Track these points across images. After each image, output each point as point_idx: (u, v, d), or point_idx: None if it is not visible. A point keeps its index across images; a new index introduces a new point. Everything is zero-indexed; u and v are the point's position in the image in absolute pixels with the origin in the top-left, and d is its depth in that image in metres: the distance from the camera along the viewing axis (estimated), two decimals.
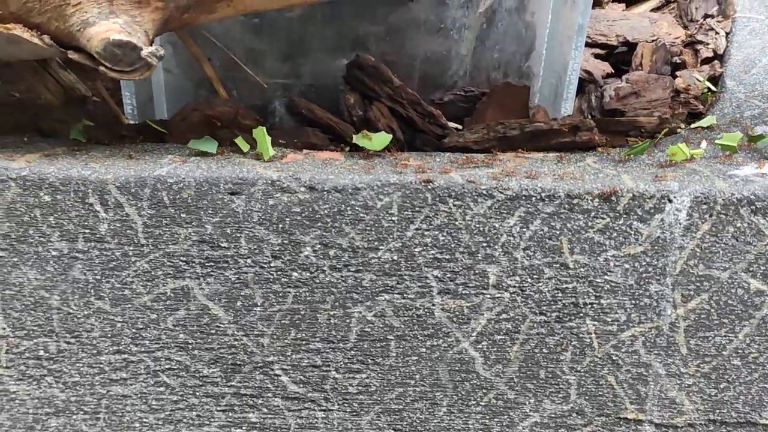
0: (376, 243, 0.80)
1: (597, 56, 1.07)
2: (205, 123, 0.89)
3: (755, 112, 0.89)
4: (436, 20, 0.94)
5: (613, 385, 0.84)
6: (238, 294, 0.84)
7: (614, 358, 0.82)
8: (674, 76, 1.03)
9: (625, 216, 0.76)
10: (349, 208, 0.79)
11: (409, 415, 0.86)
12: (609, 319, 0.81)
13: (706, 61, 1.06)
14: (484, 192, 0.77)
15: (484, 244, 0.79)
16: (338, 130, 0.89)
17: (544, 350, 0.83)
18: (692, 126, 0.89)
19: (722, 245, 0.76)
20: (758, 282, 0.77)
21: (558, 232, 0.78)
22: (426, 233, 0.79)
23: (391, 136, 0.81)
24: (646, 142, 0.78)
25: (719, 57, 1.06)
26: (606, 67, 1.02)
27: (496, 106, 0.90)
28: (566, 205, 0.77)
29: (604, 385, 0.84)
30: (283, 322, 0.85)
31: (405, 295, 0.82)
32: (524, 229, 0.78)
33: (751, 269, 0.77)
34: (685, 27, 1.15)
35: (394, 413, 0.86)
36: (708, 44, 1.08)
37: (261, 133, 0.82)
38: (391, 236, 0.80)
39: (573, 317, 0.81)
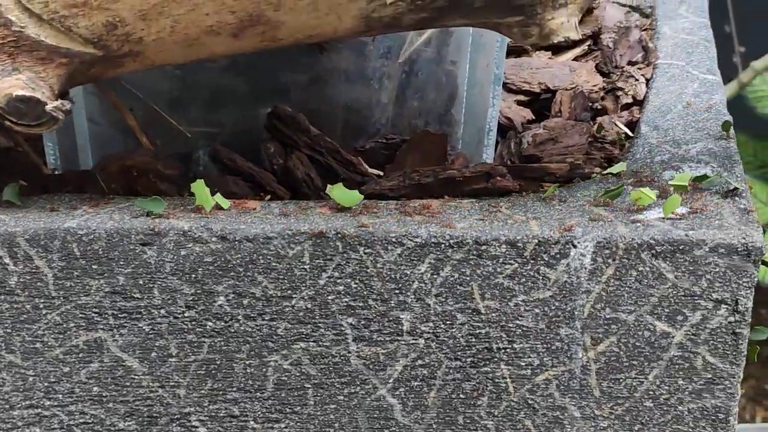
0: (289, 291, 0.81)
1: (520, 103, 1.10)
2: (124, 173, 0.89)
3: (665, 158, 0.92)
4: (356, 70, 0.96)
5: (531, 429, 0.84)
6: (152, 345, 0.83)
7: (530, 401, 0.83)
8: (594, 122, 1.06)
9: (532, 261, 0.78)
10: (261, 257, 0.79)
11: None
12: (523, 363, 0.82)
13: (626, 107, 1.10)
14: (394, 240, 0.78)
15: (397, 291, 0.80)
16: (258, 178, 0.90)
17: (461, 395, 0.84)
18: (603, 173, 0.91)
19: (627, 289, 0.78)
20: (663, 324, 0.79)
21: (468, 278, 0.79)
22: (338, 281, 0.80)
23: (362, 196, 0.82)
24: (619, 186, 0.80)
25: (639, 103, 1.10)
26: (528, 114, 1.05)
27: (415, 154, 0.92)
28: (475, 252, 0.78)
29: (522, 429, 0.84)
30: (199, 372, 0.84)
31: (320, 342, 0.82)
32: (435, 276, 0.79)
33: (655, 312, 0.79)
34: (608, 74, 1.19)
35: None
36: (627, 91, 1.12)
37: (200, 187, 0.82)
38: (304, 284, 0.80)
39: (487, 362, 0.82)
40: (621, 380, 0.82)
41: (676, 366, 0.80)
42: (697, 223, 0.78)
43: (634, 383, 0.82)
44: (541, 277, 0.78)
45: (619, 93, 1.12)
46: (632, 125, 1.05)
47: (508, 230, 0.78)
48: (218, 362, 0.83)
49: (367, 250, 0.79)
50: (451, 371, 0.83)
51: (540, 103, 1.10)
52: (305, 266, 0.79)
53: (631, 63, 1.21)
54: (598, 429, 0.83)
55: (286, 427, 0.85)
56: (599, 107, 1.11)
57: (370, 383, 0.84)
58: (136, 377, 0.84)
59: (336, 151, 0.89)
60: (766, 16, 2.51)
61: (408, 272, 0.79)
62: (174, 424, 0.86)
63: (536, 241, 0.77)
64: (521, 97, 1.09)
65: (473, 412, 0.84)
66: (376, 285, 0.80)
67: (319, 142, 0.89)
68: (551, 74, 1.10)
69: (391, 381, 0.83)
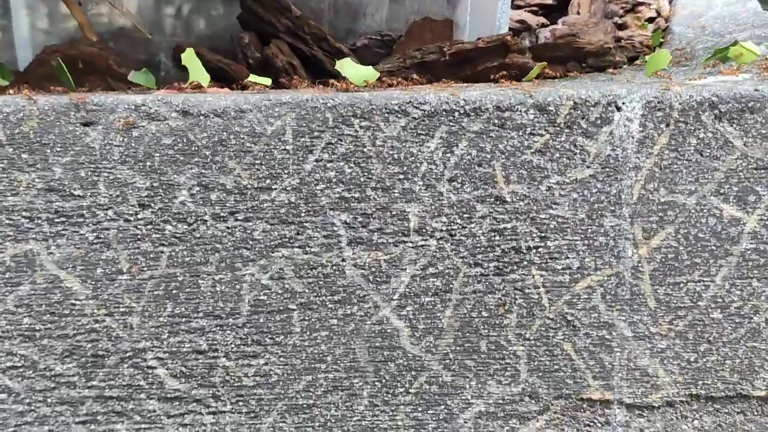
0: (268, 181, 0.65)
1: (534, 14, 0.98)
2: (68, 66, 0.74)
3: (708, 45, 0.79)
4: None
5: (571, 355, 0.67)
6: (97, 258, 0.66)
7: (569, 318, 0.67)
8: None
9: (567, 130, 0.63)
10: (232, 137, 0.64)
11: (321, 412, 0.68)
12: (559, 267, 0.66)
13: (650, 20, 0.98)
14: (396, 108, 0.63)
15: (401, 176, 0.65)
16: (230, 72, 0.75)
17: (484, 313, 0.67)
18: (639, 62, 0.78)
19: (685, 162, 0.63)
20: (732, 207, 0.64)
21: (489, 156, 0.64)
22: (329, 165, 0.65)
23: (378, 72, 0.67)
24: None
25: (663, 17, 0.99)
26: (542, 20, 0.93)
27: (415, 45, 0.78)
28: (496, 121, 0.63)
29: (560, 355, 0.68)
30: (156, 293, 0.67)
31: (307, 248, 0.66)
32: (448, 154, 0.64)
33: (721, 191, 0.64)
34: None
35: (303, 411, 0.68)
36: (651, 4, 1.00)
37: (189, 55, 0.67)
38: (285, 171, 0.65)
39: (515, 267, 0.66)
40: (681, 285, 0.66)
41: (750, 263, 0.65)
42: (766, 80, 0.64)
43: (698, 288, 0.66)
44: (578, 151, 0.63)
45: (641, 8, 1.00)
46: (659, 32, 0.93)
47: (535, 93, 0.63)
48: (180, 279, 0.67)
49: (363, 123, 0.64)
50: (470, 281, 0.67)
51: (555, 16, 0.97)
52: (287, 146, 0.64)
53: None
54: (655, 352, 0.67)
55: (266, 363, 0.68)
56: (620, 23, 0.99)
57: (370, 301, 0.67)
58: (78, 303, 0.67)
59: (323, 39, 0.76)
60: None
61: (414, 150, 0.64)
62: (125, 365, 0.68)
63: (571, 102, 0.62)
64: (534, 10, 0.97)
65: (499, 335, 0.67)
66: (375, 169, 0.64)
67: (302, 27, 0.75)
68: None
69: (396, 297, 0.67)
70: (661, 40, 0.86)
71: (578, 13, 0.91)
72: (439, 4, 0.86)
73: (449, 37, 0.79)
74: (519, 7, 0.99)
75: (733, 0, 0.98)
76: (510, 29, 0.92)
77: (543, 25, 0.91)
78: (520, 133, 0.63)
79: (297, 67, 0.74)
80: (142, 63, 0.83)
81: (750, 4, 0.95)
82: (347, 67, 0.67)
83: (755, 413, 0.66)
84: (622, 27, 0.99)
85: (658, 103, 0.62)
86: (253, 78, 0.70)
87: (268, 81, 0.70)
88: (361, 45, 0.81)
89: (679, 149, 0.63)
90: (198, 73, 0.68)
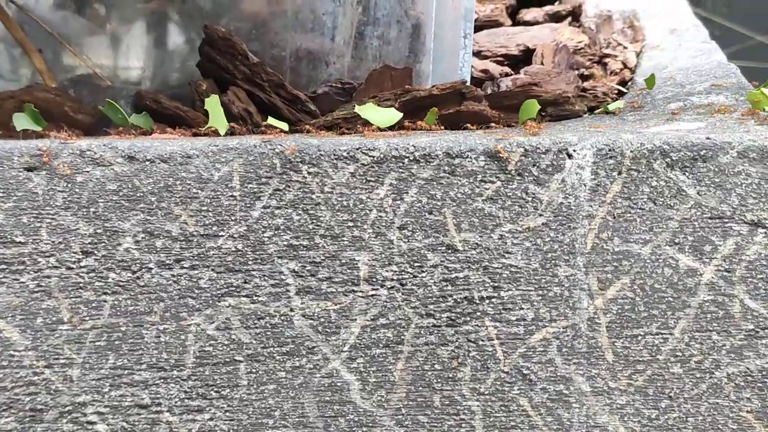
0: (214, 228, 0.64)
1: (499, 63, 0.99)
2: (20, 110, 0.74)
3: (668, 95, 0.80)
4: (306, 11, 0.84)
5: (528, 410, 0.65)
6: (38, 307, 0.64)
7: (525, 372, 0.65)
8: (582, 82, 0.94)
9: (518, 178, 0.62)
10: (179, 183, 0.63)
11: None
12: (513, 318, 0.64)
13: (617, 72, 0.99)
14: (345, 154, 0.63)
15: (350, 224, 0.63)
16: (187, 119, 0.75)
17: (437, 366, 0.65)
18: (598, 111, 0.78)
19: (638, 211, 0.62)
20: (688, 257, 0.63)
21: (440, 204, 0.63)
22: (277, 212, 0.63)
23: (401, 114, 0.66)
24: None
25: (629, 69, 1.00)
26: (506, 70, 0.93)
27: (374, 92, 0.78)
28: (446, 167, 0.62)
29: (517, 411, 0.65)
30: (97, 344, 0.65)
31: (255, 297, 0.64)
32: (398, 201, 0.63)
33: (676, 241, 0.62)
34: (592, 45, 1.09)
35: None
36: (617, 56, 1.02)
37: (214, 102, 0.67)
38: (233, 218, 0.63)
39: (468, 318, 0.64)
40: (639, 338, 0.64)
41: (709, 315, 0.63)
42: (716, 129, 0.64)
43: (657, 341, 0.64)
44: (530, 199, 0.62)
45: (608, 60, 1.01)
46: (623, 83, 0.93)
47: (486, 140, 0.62)
48: (123, 329, 0.64)
49: (311, 169, 0.63)
50: (422, 332, 0.64)
51: (521, 66, 0.98)
52: (235, 193, 0.63)
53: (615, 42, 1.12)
54: (615, 408, 0.64)
55: (211, 419, 0.65)
56: (586, 73, 0.99)
57: (320, 353, 0.65)
58: (16, 353, 0.65)
59: (280, 86, 0.75)
60: None
61: (364, 197, 0.63)
62: (64, 420, 0.65)
63: (522, 149, 0.62)
64: (499, 60, 0.98)
65: (453, 389, 0.65)
66: (324, 216, 0.63)
67: (259, 74, 0.75)
68: (530, 36, 1.00)
69: (346, 349, 0.65)
70: (624, 90, 0.86)
71: (542, 64, 0.91)
72: (402, 53, 0.86)
73: (409, 85, 0.79)
74: (486, 57, 0.99)
75: (699, 53, 0.99)
76: (474, 78, 0.92)
77: (507, 75, 0.91)
78: (471, 180, 0.62)
79: (253, 114, 0.73)
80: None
81: (714, 57, 0.96)
82: (368, 111, 0.67)
83: None
84: (588, 78, 0.99)
85: (610, 150, 0.62)
86: (271, 121, 0.69)
87: (285, 126, 0.70)
88: (322, 92, 0.81)
89: (632, 197, 0.62)
90: (218, 120, 0.67)
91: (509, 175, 0.62)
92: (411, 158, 0.62)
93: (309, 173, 0.63)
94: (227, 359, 0.65)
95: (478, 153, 0.62)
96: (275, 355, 0.65)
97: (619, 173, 0.62)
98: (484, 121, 0.71)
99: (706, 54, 0.97)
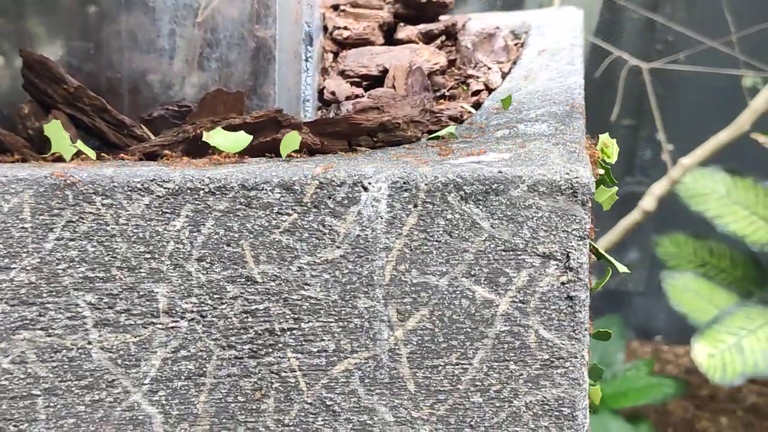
0: (6, 260, 0.62)
1: (357, 85, 0.99)
2: None
3: (501, 121, 0.80)
4: (144, 32, 0.83)
5: None
6: None
7: (329, 402, 0.65)
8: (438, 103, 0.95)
9: (314, 210, 0.62)
10: None
11: None
12: (314, 350, 0.64)
13: (476, 93, 1.00)
14: (139, 186, 0.62)
15: (147, 256, 0.63)
16: (6, 144, 0.73)
17: (240, 398, 0.65)
18: (430, 137, 0.78)
19: (434, 243, 0.63)
20: (483, 289, 0.63)
21: (237, 236, 0.63)
22: (71, 244, 0.62)
23: (250, 137, 0.65)
24: None
25: (491, 91, 1.00)
26: (358, 91, 0.93)
27: (208, 116, 0.77)
28: (242, 200, 0.62)
29: None
30: None
31: (50, 330, 0.63)
32: (195, 233, 0.62)
33: (472, 273, 0.63)
34: (461, 66, 1.09)
35: None
36: (480, 78, 1.02)
37: (56, 128, 0.66)
38: (25, 250, 0.62)
39: (270, 349, 0.64)
40: (440, 368, 0.64)
41: (505, 345, 0.64)
42: (516, 162, 0.64)
43: (457, 371, 0.64)
44: (327, 231, 0.62)
45: (471, 81, 1.02)
46: (478, 106, 0.94)
47: (282, 171, 0.62)
48: None
49: (105, 201, 0.62)
50: (224, 364, 0.64)
51: (378, 85, 0.98)
52: (26, 224, 0.62)
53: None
54: None
55: None
56: (448, 94, 1.00)
57: (120, 386, 0.64)
58: None
59: (104, 110, 0.74)
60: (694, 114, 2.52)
61: (160, 229, 0.62)
62: None
63: (317, 182, 0.62)
64: (358, 81, 0.98)
65: (257, 421, 0.65)
66: (120, 248, 0.62)
67: (81, 98, 0.74)
68: (391, 56, 1.00)
69: (147, 381, 0.64)
70: (474, 112, 0.87)
71: (393, 87, 0.92)
72: (243, 76, 0.86)
73: (241, 109, 0.79)
74: (348, 77, 0.99)
75: (558, 75, 1.01)
76: (325, 100, 0.92)
77: (356, 96, 0.91)
78: (268, 213, 0.62)
79: (75, 140, 0.72)
80: None
81: (570, 79, 0.97)
82: (216, 136, 0.66)
83: None
84: (452, 99, 1.00)
85: (404, 183, 0.62)
86: (80, 145, 0.68)
87: (92, 153, 0.68)
88: (158, 115, 0.80)
89: (428, 230, 0.63)
90: (62, 145, 0.66)
91: (305, 207, 0.62)
92: (206, 190, 0.62)
93: (103, 205, 0.62)
94: (24, 393, 0.64)
95: (273, 185, 0.62)
96: (73, 388, 0.64)
97: (415, 206, 0.62)
98: (311, 154, 0.70)
99: (564, 77, 0.99)
